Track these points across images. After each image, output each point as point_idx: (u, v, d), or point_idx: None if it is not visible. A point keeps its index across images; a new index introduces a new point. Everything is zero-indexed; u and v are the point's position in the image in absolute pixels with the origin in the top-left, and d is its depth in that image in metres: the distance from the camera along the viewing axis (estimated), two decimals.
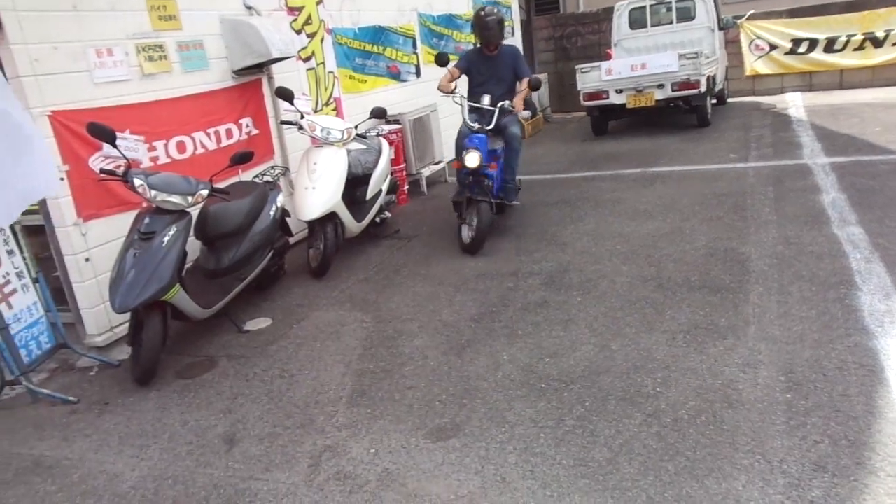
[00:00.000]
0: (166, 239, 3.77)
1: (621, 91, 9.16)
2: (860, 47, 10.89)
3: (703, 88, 8.70)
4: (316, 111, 6.36)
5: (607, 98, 9.37)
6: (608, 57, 10.51)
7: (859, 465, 2.46)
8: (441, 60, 5.66)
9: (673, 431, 2.80)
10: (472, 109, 5.56)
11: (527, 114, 11.08)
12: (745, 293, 4.00)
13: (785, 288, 3.99)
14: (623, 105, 9.22)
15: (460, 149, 5.46)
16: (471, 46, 9.94)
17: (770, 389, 3.01)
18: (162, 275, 3.68)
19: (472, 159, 5.18)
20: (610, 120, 10.03)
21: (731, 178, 6.59)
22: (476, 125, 5.40)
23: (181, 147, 4.82)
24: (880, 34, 10.72)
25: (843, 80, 11.20)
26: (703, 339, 3.54)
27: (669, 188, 6.52)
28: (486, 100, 5.52)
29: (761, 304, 3.84)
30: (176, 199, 3.89)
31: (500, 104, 5.43)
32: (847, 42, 10.91)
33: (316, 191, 5.04)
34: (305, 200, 5.04)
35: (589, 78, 9.43)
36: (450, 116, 9.02)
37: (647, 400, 3.05)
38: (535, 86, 5.62)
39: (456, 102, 5.62)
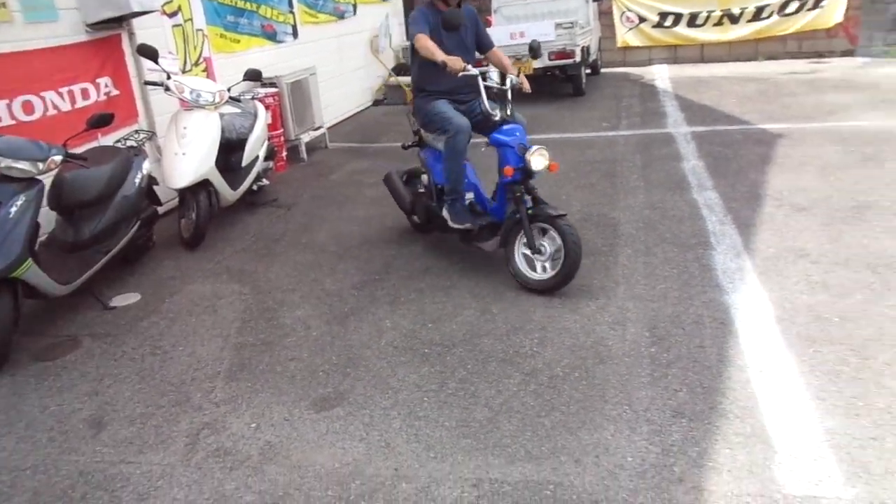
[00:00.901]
0: (13, 210, 3.44)
1: None
2: (719, 23, 11.65)
3: (578, 58, 8.99)
4: (184, 72, 5.98)
5: (487, 65, 9.45)
6: (489, 24, 10.60)
7: (712, 409, 2.69)
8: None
9: (549, 388, 2.93)
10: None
11: (408, 79, 11.04)
12: (615, 255, 4.22)
13: (650, 250, 4.25)
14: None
15: (459, 151, 4.02)
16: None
17: (636, 344, 3.21)
18: (9, 249, 3.36)
19: (542, 159, 3.76)
20: None
21: (603, 145, 6.90)
22: (497, 113, 3.93)
23: (28, 107, 4.39)
24: (736, 11, 11.51)
25: (704, 53, 11.97)
26: (578, 299, 3.71)
27: None
28: (496, 75, 4.03)
29: (629, 265, 4.07)
30: (24, 165, 3.54)
31: (509, 81, 4.02)
32: (707, 17, 11.64)
33: (186, 157, 4.77)
34: (175, 167, 4.76)
35: None
36: (330, 80, 8.82)
37: (526, 360, 3.17)
38: (535, 52, 4.22)
39: (470, 84, 4.06)
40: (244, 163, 5.47)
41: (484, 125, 4.11)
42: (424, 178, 4.59)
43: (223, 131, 5.13)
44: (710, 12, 11.59)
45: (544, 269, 3.81)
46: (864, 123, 6.80)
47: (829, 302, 3.42)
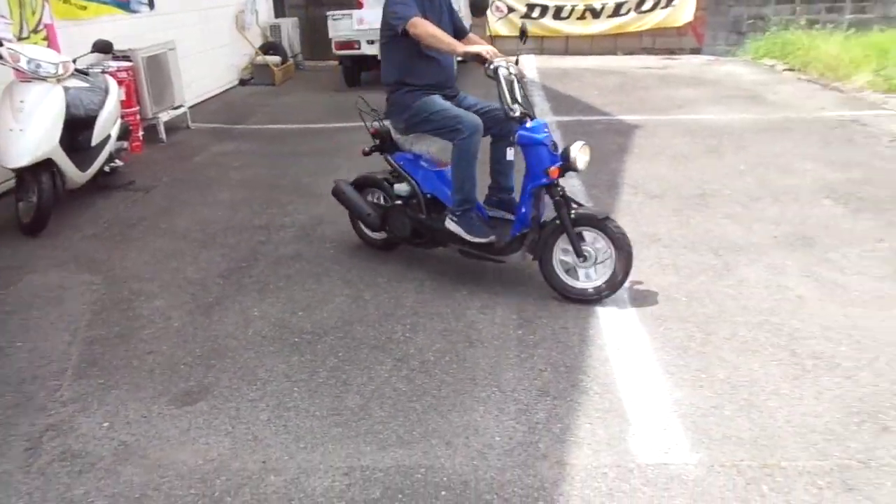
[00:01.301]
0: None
1: (373, 42, 9.16)
2: (582, 17, 12.18)
3: None
4: (20, 39, 5.40)
5: (359, 48, 9.34)
6: (360, 6, 10.43)
7: (574, 387, 2.83)
8: None
9: (420, 373, 2.95)
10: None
11: (276, 59, 10.66)
12: None
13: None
14: (375, 56, 9.24)
15: (473, 154, 3.57)
16: None
17: (505, 327, 3.31)
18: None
19: (586, 156, 3.48)
20: (363, 71, 10.02)
21: None
22: (518, 110, 3.42)
23: None
24: (597, 6, 12.07)
25: (569, 46, 12.47)
26: (449, 285, 3.76)
27: None
28: (505, 64, 3.48)
29: None
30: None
31: (518, 73, 3.59)
32: (572, 11, 12.13)
33: (24, 134, 4.32)
34: (11, 145, 4.31)
35: (340, 26, 9.30)
36: (192, 56, 8.32)
37: (398, 345, 3.18)
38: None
39: (489, 76, 3.46)
40: (94, 142, 5.05)
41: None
42: (401, 187, 3.91)
43: (69, 107, 4.69)
44: (573, 6, 12.09)
45: (588, 276, 3.52)
46: (709, 117, 7.38)
47: (677, 283, 3.69)
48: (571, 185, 5.24)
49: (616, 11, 12.07)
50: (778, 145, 6.18)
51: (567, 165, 3.40)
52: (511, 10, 12.22)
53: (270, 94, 9.78)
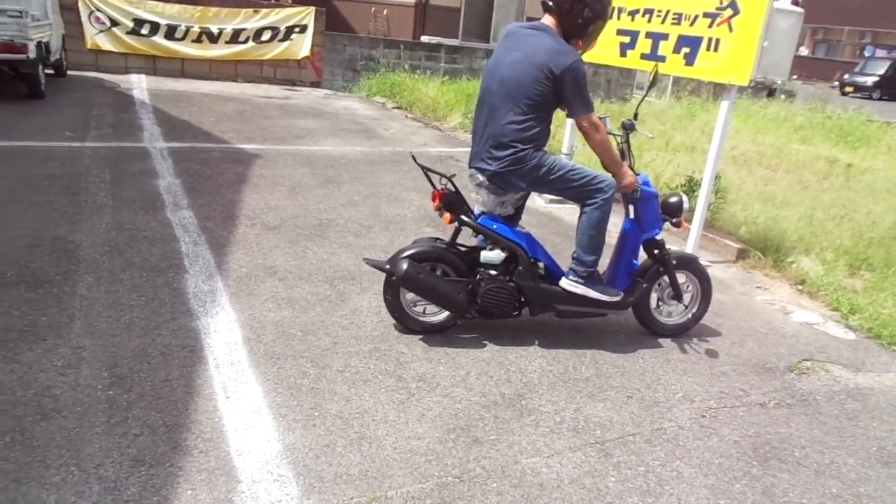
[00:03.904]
0: None
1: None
2: (198, 39, 11.66)
3: (32, 54, 7.74)
4: None
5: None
6: None
7: (176, 449, 2.49)
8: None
9: None
10: None
11: None
12: (72, 285, 3.66)
13: (116, 276, 3.82)
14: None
15: (608, 214, 3.53)
16: None
17: (92, 389, 2.79)
18: None
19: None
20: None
21: (66, 158, 6.05)
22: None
23: None
24: (215, 30, 11.70)
25: (185, 68, 11.80)
26: (17, 344, 3.05)
27: None
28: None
29: (90, 296, 3.57)
30: None
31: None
32: (187, 32, 11.52)
33: None
34: None
35: None
36: None
37: None
38: None
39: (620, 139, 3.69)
40: None
41: None
42: (493, 255, 3.52)
43: None
44: (188, 27, 11.51)
45: (669, 314, 3.90)
46: (326, 148, 7.63)
47: (293, 317, 3.60)
48: (182, 216, 4.84)
49: (235, 38, 11.87)
50: (388, 177, 6.65)
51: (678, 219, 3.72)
52: (115, 23, 11.08)
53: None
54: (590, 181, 3.42)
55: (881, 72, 31.49)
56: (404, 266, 3.33)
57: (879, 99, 28.74)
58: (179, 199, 5.25)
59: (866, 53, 37.34)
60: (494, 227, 3.48)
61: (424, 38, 14.61)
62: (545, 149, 3.42)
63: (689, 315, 3.89)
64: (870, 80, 30.85)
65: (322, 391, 2.96)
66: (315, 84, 12.77)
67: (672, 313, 3.90)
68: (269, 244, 4.57)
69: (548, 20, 3.36)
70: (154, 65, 11.60)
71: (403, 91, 11.48)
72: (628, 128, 3.55)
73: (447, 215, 3.47)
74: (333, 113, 10.13)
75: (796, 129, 12.61)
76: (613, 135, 3.59)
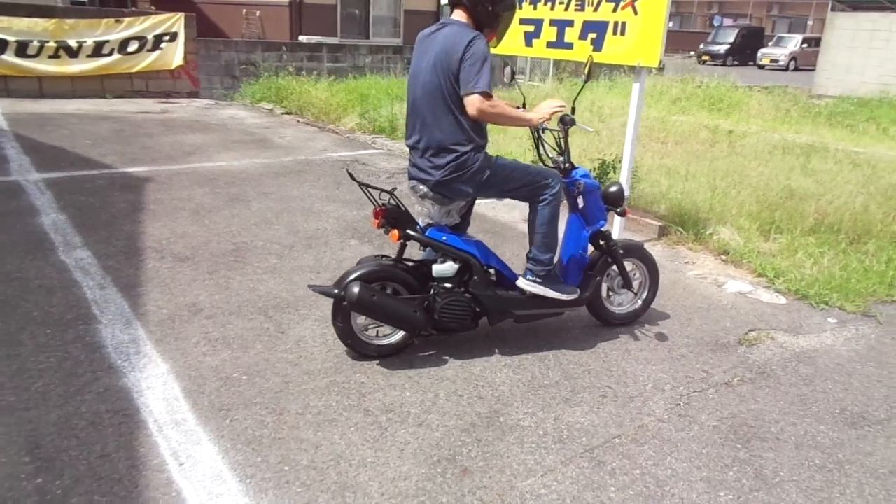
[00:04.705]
0: None
1: None
2: (56, 55, 10.62)
3: None
4: None
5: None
6: None
7: None
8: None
9: None
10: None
11: None
12: None
13: (15, 337, 3.32)
14: None
15: (558, 209, 3.44)
16: None
17: (15, 480, 2.37)
18: None
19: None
20: None
21: None
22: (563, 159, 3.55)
23: None
24: (73, 44, 10.70)
25: (44, 87, 10.73)
26: None
27: None
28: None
29: None
30: None
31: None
32: (41, 48, 10.46)
33: None
34: None
35: None
36: None
37: None
38: None
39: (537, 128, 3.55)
40: None
41: None
42: (444, 267, 3.27)
43: None
44: (43, 42, 10.44)
45: (620, 303, 3.86)
46: (223, 164, 7.13)
47: (232, 359, 3.26)
48: (79, 257, 4.32)
49: (98, 51, 10.91)
50: (296, 189, 6.29)
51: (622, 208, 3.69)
52: None
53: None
54: (535, 178, 3.33)
55: (731, 40, 33.97)
56: (356, 289, 3.07)
57: (732, 65, 30.99)
58: (70, 237, 4.68)
59: (715, 23, 40.12)
60: (444, 238, 3.29)
61: (303, 38, 14.10)
62: (486, 150, 3.27)
63: (640, 302, 3.88)
64: (722, 49, 33.19)
65: (286, 440, 2.68)
66: (193, 94, 11.99)
67: (623, 302, 3.87)
68: (185, 278, 4.15)
69: (458, 15, 3.23)
70: (6, 85, 10.44)
71: (291, 95, 11.00)
72: (568, 123, 3.44)
73: (394, 232, 3.24)
74: (220, 124, 9.53)
75: (674, 101, 13.23)
76: (551, 131, 3.50)
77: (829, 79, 17.71)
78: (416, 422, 2.84)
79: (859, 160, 8.36)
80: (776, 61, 30.77)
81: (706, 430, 2.90)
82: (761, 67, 30.56)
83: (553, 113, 3.26)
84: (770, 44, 33.03)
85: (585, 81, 3.48)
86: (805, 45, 31.04)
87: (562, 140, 3.49)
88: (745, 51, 33.09)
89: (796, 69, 29.87)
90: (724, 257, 5.03)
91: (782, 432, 2.92)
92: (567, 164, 3.46)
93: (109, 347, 3.28)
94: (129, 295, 3.85)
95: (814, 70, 19.45)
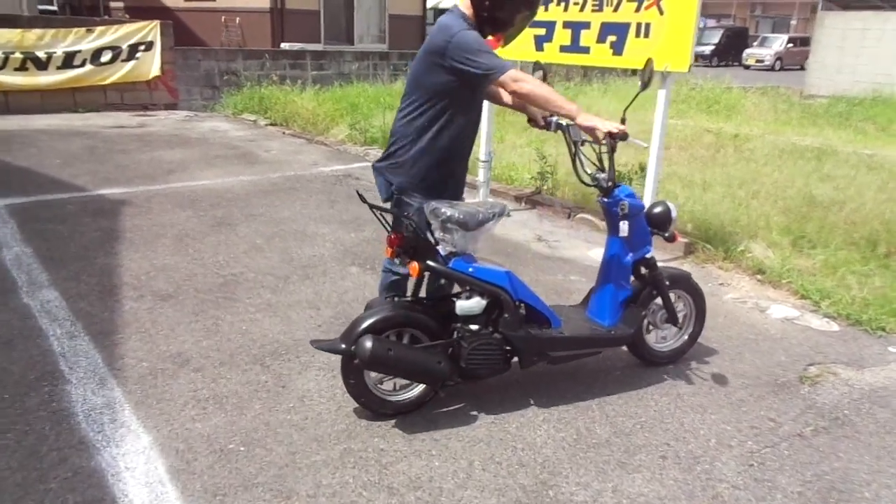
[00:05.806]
0: None
1: None
2: (22, 67, 10.02)
3: None
4: None
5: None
6: None
7: None
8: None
9: None
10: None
11: None
12: None
13: None
14: None
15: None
16: None
17: None
18: None
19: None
20: None
21: None
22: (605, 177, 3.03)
23: None
24: (42, 55, 10.11)
25: (10, 102, 10.11)
26: None
27: None
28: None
29: None
30: None
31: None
32: (6, 60, 9.86)
33: None
34: None
35: None
36: None
37: None
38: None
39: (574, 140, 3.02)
40: None
41: None
42: (470, 304, 2.79)
43: None
44: (7, 53, 9.84)
45: (663, 339, 3.40)
46: (206, 182, 6.61)
47: (227, 424, 2.77)
48: (45, 299, 3.80)
49: (69, 62, 10.33)
50: (287, 209, 5.80)
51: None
52: None
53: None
54: None
55: (716, 40, 33.92)
56: (368, 345, 2.58)
57: (718, 65, 30.90)
58: (36, 274, 4.16)
59: (699, 25, 40.12)
60: (470, 269, 2.80)
61: (286, 46, 13.58)
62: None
63: (686, 337, 3.43)
64: (707, 49, 33.08)
65: None
66: (171, 106, 11.43)
67: (666, 338, 3.43)
68: (168, 321, 3.65)
69: (461, 2, 2.82)
70: None
71: (275, 105, 10.49)
72: (621, 138, 2.95)
73: (413, 265, 2.76)
74: (201, 138, 9.00)
75: (670, 104, 12.90)
76: (591, 143, 3.02)
77: (821, 79, 17.49)
78: (451, 500, 2.38)
79: (873, 163, 8.03)
80: (762, 61, 30.69)
81: (791, 498, 2.47)
82: (747, 68, 30.45)
83: (608, 134, 2.75)
84: (755, 44, 32.99)
85: (642, 89, 2.97)
86: (790, 45, 31.01)
87: (605, 155, 3.02)
88: (730, 51, 33.04)
89: (782, 69, 29.79)
90: (759, 277, 4.61)
91: (878, 498, 2.49)
92: (609, 183, 2.99)
93: (80, 415, 2.78)
94: (104, 345, 3.34)
95: (800, 70, 19.31)
